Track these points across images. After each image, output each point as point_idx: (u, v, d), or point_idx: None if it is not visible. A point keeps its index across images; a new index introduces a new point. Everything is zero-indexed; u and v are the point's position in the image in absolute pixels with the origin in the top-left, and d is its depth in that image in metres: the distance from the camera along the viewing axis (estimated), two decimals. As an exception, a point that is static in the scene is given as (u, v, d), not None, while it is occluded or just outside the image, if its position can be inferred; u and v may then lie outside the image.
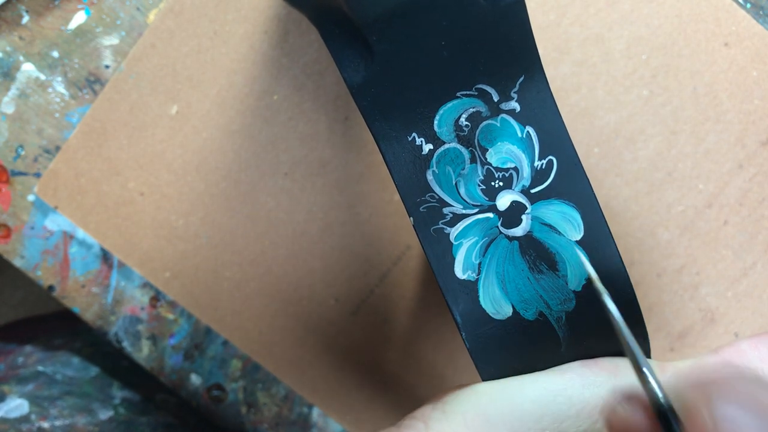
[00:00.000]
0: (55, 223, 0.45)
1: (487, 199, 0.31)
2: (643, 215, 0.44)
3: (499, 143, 0.31)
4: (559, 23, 0.42)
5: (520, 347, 0.31)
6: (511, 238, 0.31)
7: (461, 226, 0.31)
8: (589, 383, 0.30)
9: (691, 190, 0.44)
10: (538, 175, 0.31)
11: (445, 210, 0.31)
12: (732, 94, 0.43)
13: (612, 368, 0.30)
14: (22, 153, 0.44)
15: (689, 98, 0.43)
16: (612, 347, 0.31)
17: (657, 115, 0.43)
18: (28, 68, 0.43)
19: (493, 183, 0.31)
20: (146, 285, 0.46)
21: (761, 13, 0.42)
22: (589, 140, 0.43)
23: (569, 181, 0.31)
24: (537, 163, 0.31)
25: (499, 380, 0.31)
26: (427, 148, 0.31)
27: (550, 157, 0.31)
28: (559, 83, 0.43)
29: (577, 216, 0.30)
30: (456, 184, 0.31)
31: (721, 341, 0.46)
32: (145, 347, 0.47)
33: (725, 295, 0.45)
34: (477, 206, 0.31)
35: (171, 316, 0.46)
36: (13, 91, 0.44)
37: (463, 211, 0.31)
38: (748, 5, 0.42)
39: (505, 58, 0.30)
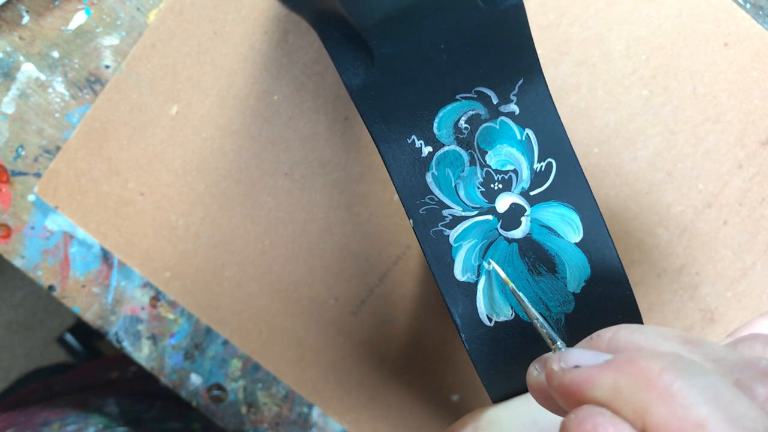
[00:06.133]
0: (55, 223, 0.45)
1: (486, 201, 0.31)
2: (642, 215, 0.44)
3: (498, 146, 0.31)
4: (559, 23, 0.42)
5: (519, 349, 0.31)
6: (510, 240, 0.31)
7: (461, 228, 0.31)
8: None
9: (691, 190, 0.44)
10: (538, 178, 0.31)
11: (445, 212, 0.31)
12: (732, 94, 0.43)
13: None
14: (23, 153, 0.44)
15: (689, 98, 0.43)
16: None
17: (657, 115, 0.43)
18: (28, 68, 0.43)
19: (492, 185, 0.31)
20: (146, 285, 0.46)
21: (761, 13, 0.42)
22: (589, 140, 0.43)
23: (568, 184, 0.31)
24: (536, 166, 0.31)
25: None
26: (426, 150, 0.31)
27: (550, 159, 0.31)
28: (559, 83, 0.43)
29: (576, 218, 0.30)
30: (455, 186, 0.31)
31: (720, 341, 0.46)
32: (146, 347, 0.47)
33: (725, 295, 0.45)
34: (476, 208, 0.31)
35: (171, 316, 0.46)
36: (13, 91, 0.44)
37: (463, 214, 0.31)
38: (748, 5, 0.42)
39: (504, 61, 0.30)
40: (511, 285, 0.29)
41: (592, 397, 0.22)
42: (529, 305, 0.29)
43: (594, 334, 0.26)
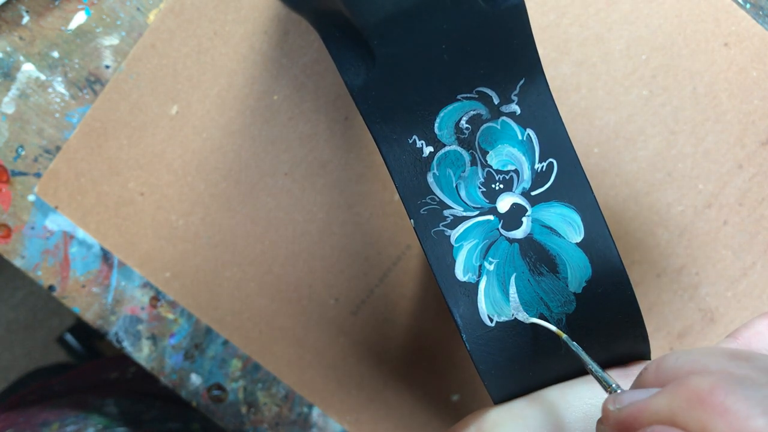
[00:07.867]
0: (55, 223, 0.45)
1: (487, 201, 0.31)
2: (642, 215, 0.44)
3: (499, 146, 0.31)
4: (559, 23, 0.42)
5: (520, 349, 0.31)
6: (511, 241, 0.31)
7: (462, 228, 0.31)
8: None
9: (691, 190, 0.44)
10: (539, 178, 0.31)
11: (446, 212, 0.31)
12: (732, 95, 0.43)
13: None
14: (23, 153, 0.44)
15: (689, 98, 0.43)
16: (612, 349, 0.31)
17: (657, 115, 0.43)
18: (28, 68, 0.43)
19: (493, 185, 0.31)
20: (146, 285, 0.46)
21: (761, 13, 0.42)
22: (589, 140, 0.43)
23: (570, 184, 0.31)
24: (537, 166, 0.31)
25: (540, 397, 0.31)
26: (427, 150, 0.31)
27: (551, 159, 0.31)
28: (559, 83, 0.43)
29: (578, 218, 0.30)
30: (456, 186, 0.31)
31: (721, 341, 0.46)
32: (146, 347, 0.47)
33: (725, 295, 0.45)
34: (477, 209, 0.31)
35: (171, 316, 0.46)
36: (13, 92, 0.44)
37: (464, 214, 0.31)
38: (748, 5, 0.42)
39: (505, 61, 0.30)
40: (564, 336, 0.30)
41: (650, 423, 0.22)
42: (582, 353, 0.29)
43: (642, 370, 0.25)
